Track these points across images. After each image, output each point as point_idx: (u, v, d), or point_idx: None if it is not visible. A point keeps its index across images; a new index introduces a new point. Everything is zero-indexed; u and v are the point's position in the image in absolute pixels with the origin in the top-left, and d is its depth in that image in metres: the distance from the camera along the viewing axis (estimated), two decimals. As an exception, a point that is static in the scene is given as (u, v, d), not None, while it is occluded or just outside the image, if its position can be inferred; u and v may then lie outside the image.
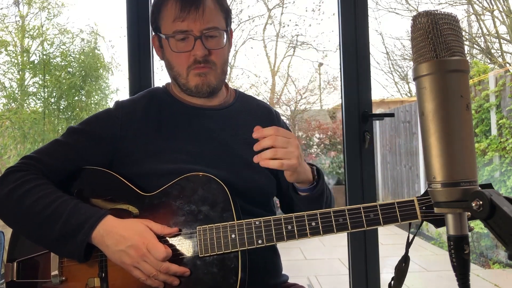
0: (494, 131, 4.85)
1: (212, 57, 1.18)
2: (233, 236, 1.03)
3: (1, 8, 4.32)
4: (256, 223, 1.03)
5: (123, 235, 1.02)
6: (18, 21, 4.40)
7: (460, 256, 0.56)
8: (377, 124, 7.19)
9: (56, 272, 1.10)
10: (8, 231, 1.20)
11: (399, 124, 6.80)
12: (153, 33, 1.26)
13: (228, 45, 1.24)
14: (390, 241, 4.59)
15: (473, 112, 4.85)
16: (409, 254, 0.94)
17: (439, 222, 1.00)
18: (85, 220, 1.04)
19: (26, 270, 1.13)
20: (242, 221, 1.04)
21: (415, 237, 0.99)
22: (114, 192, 1.14)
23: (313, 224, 1.02)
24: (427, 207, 0.99)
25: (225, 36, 1.21)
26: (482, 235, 4.59)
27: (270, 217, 1.04)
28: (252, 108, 1.33)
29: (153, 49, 2.09)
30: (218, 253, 1.02)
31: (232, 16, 1.27)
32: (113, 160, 1.19)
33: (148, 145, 1.17)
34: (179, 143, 1.19)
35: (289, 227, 1.02)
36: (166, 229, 1.05)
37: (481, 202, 0.53)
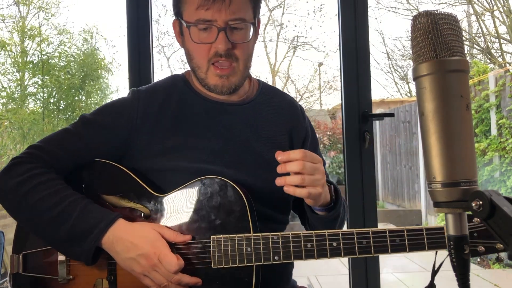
0: (494, 131, 4.85)
1: (235, 51, 1.08)
2: (248, 249, 0.98)
3: (1, 8, 4.32)
4: (274, 238, 0.98)
5: (134, 242, 0.98)
6: (18, 21, 4.40)
7: (460, 256, 0.56)
8: (377, 124, 7.18)
9: (64, 267, 1.06)
10: (10, 230, 1.18)
11: (399, 124, 6.80)
12: (174, 18, 1.16)
13: (254, 37, 1.14)
14: (390, 241, 4.57)
15: (473, 112, 4.85)
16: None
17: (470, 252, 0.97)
18: (95, 224, 0.99)
19: (33, 263, 1.09)
20: (259, 234, 0.98)
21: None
22: (125, 189, 1.08)
23: (335, 244, 0.97)
24: None
25: (251, 29, 1.11)
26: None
27: (288, 233, 0.98)
28: (276, 102, 1.24)
29: (153, 49, 2.09)
30: (232, 266, 0.98)
31: (260, 6, 1.16)
32: (126, 153, 1.12)
33: (164, 140, 1.10)
34: (198, 140, 1.11)
35: (309, 245, 0.97)
36: (179, 237, 1.01)
37: (481, 202, 0.53)
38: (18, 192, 1.02)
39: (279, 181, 0.97)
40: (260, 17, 1.18)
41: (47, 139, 1.11)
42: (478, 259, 4.38)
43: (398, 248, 0.96)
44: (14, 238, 1.12)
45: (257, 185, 1.10)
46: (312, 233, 0.98)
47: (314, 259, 0.98)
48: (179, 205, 1.04)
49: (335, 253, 0.97)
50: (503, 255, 0.96)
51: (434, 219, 5.84)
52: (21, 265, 1.08)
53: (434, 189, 0.57)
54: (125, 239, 0.99)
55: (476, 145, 4.85)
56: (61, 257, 1.07)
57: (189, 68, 1.22)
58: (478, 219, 0.96)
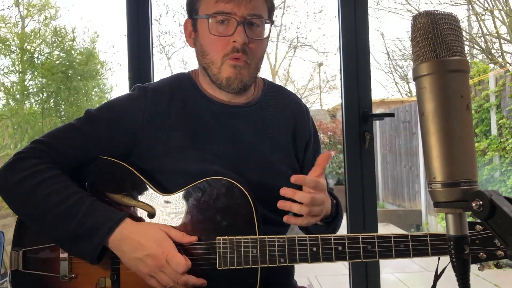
0: (494, 131, 4.85)
1: (251, 47, 1.08)
2: (254, 251, 0.98)
3: (2, 9, 4.32)
4: (280, 240, 0.98)
5: (141, 242, 0.97)
6: (18, 21, 4.40)
7: (460, 256, 0.56)
8: (377, 124, 7.18)
9: (66, 265, 1.04)
10: (10, 230, 1.18)
11: (399, 124, 6.80)
12: (187, 17, 1.17)
13: (267, 38, 1.14)
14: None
15: (473, 112, 4.85)
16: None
17: (472, 258, 0.96)
18: (102, 223, 0.98)
19: (33, 260, 1.07)
20: (264, 236, 0.99)
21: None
22: (131, 188, 1.07)
23: (340, 248, 0.98)
24: None
25: (267, 28, 1.12)
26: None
27: (294, 236, 0.99)
28: (281, 102, 1.23)
29: (153, 49, 2.09)
30: (237, 267, 0.98)
31: (274, 11, 1.18)
32: (131, 152, 1.10)
33: (170, 140, 1.09)
34: (203, 141, 1.11)
35: (314, 249, 0.98)
36: (185, 237, 1.00)
37: (481, 202, 0.53)
38: (22, 187, 1.01)
39: (283, 205, 0.99)
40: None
41: (51, 134, 1.10)
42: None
43: (402, 253, 0.98)
44: (14, 234, 1.10)
45: (260, 187, 1.10)
46: (318, 236, 0.99)
47: (319, 262, 0.98)
48: (185, 206, 1.04)
49: (340, 257, 0.98)
50: (503, 262, 0.97)
51: (434, 219, 5.84)
52: (21, 261, 1.07)
53: (434, 189, 0.57)
54: (133, 238, 0.98)
55: (476, 145, 4.85)
56: (63, 255, 1.05)
57: (191, 68, 1.21)
58: (480, 227, 0.98)
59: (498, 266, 0.98)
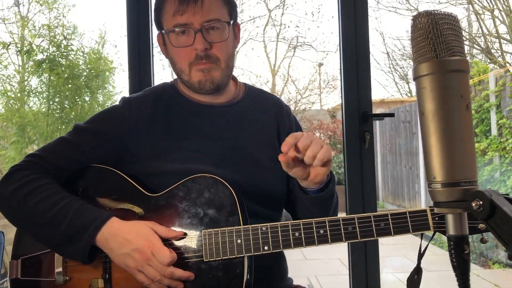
0: (494, 131, 4.85)
1: (214, 51, 1.14)
2: (238, 241, 1.00)
3: (2, 9, 4.32)
4: (263, 228, 1.01)
5: (128, 238, 1.01)
6: (19, 20, 4.40)
7: (460, 256, 0.56)
8: (377, 124, 7.19)
9: (60, 270, 1.08)
10: (10, 230, 1.19)
11: (399, 124, 6.80)
12: (157, 32, 1.23)
13: (233, 38, 1.20)
14: (390, 241, 4.59)
15: (473, 112, 4.85)
16: (416, 261, 0.93)
17: (470, 230, 0.97)
18: (89, 222, 1.02)
19: (30, 267, 1.12)
20: (248, 226, 1.01)
21: (416, 237, 0.98)
22: (120, 191, 1.12)
23: (321, 232, 0.99)
24: (440, 218, 0.97)
25: (228, 29, 1.16)
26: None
27: (277, 223, 1.01)
28: (262, 104, 1.28)
29: (153, 49, 2.09)
30: (223, 258, 1.01)
31: (237, 10, 1.23)
32: (120, 159, 1.17)
33: (156, 144, 1.15)
34: (188, 142, 1.16)
35: (297, 234, 1.00)
36: (171, 232, 1.03)
37: (481, 202, 0.53)
38: (15, 197, 1.06)
39: (282, 154, 0.98)
40: (239, 21, 1.24)
41: (44, 148, 1.17)
42: (477, 262, 4.38)
43: (383, 232, 0.99)
44: (13, 244, 1.15)
45: (247, 183, 1.13)
46: (300, 222, 1.01)
47: (302, 247, 1.00)
48: (171, 203, 1.07)
49: (323, 240, 0.99)
50: (501, 259, 0.96)
51: (434, 219, 5.83)
52: (20, 270, 1.12)
53: (434, 189, 0.57)
54: (119, 235, 1.02)
55: (476, 145, 4.85)
56: (58, 259, 1.09)
57: (175, 77, 1.27)
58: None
59: (483, 241, 0.96)
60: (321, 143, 1.01)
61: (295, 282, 1.26)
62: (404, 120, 6.66)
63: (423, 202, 6.16)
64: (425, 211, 0.99)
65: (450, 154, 0.55)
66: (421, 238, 0.98)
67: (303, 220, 1.00)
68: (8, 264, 1.16)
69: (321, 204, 1.14)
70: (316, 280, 4.04)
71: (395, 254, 4.71)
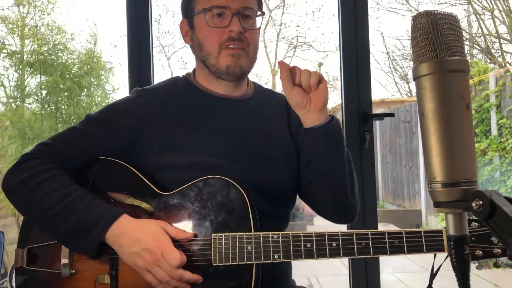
0: (494, 131, 4.85)
1: (246, 35, 1.15)
2: (249, 248, 0.99)
3: (2, 9, 4.32)
4: (274, 237, 0.99)
5: (138, 237, 1.00)
6: (18, 21, 4.40)
7: (460, 256, 0.56)
8: (377, 124, 7.18)
9: (67, 262, 1.07)
10: (10, 230, 1.19)
11: (399, 124, 6.80)
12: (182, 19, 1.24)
13: (259, 29, 1.22)
14: (390, 241, 4.57)
15: (473, 112, 4.85)
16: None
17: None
18: (99, 218, 1.01)
19: (36, 258, 1.11)
20: (259, 233, 1.00)
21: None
22: (130, 187, 1.10)
23: (334, 245, 0.98)
24: None
25: (258, 20, 1.20)
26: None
27: (289, 232, 1.00)
28: (272, 101, 1.30)
29: (153, 49, 2.09)
30: (232, 263, 1.00)
31: (263, 4, 1.26)
32: (131, 151, 1.14)
33: (169, 136, 1.14)
34: (200, 134, 1.15)
35: (308, 245, 0.99)
36: (182, 233, 1.02)
37: (481, 202, 0.53)
38: (25, 187, 1.05)
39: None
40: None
41: (55, 137, 1.15)
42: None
43: (396, 250, 0.98)
44: (19, 233, 1.13)
45: (258, 179, 1.13)
46: (312, 233, 0.99)
47: (313, 259, 0.99)
48: (182, 204, 1.06)
49: (335, 254, 0.98)
50: (501, 260, 0.96)
51: (434, 219, 5.84)
52: (25, 259, 1.10)
53: (434, 189, 0.57)
54: (130, 233, 1.01)
55: (476, 145, 4.85)
56: (64, 252, 1.08)
57: (191, 69, 1.26)
58: (476, 224, 0.97)
59: (496, 265, 0.97)
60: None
61: (295, 282, 1.26)
62: (404, 120, 6.66)
63: (423, 202, 6.15)
64: (440, 231, 0.98)
65: (450, 154, 0.55)
66: (434, 258, 0.96)
67: (315, 232, 0.99)
68: (9, 264, 1.16)
69: (330, 141, 1.12)
70: (316, 280, 4.03)
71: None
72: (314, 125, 1.11)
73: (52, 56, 4.08)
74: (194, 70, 1.27)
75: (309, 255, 0.99)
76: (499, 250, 0.96)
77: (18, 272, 1.11)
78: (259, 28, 1.21)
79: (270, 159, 1.18)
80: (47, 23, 4.29)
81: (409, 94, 9.16)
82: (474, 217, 0.94)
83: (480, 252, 0.96)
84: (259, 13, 1.20)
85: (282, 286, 1.20)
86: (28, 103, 4.16)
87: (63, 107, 4.03)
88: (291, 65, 1.10)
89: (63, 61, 4.12)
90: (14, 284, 1.11)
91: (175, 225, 1.04)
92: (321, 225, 5.27)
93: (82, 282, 1.07)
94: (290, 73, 1.08)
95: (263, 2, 1.24)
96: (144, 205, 1.08)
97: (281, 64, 1.09)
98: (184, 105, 1.19)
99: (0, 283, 2.52)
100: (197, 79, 1.24)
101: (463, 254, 0.56)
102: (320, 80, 1.09)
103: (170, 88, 1.22)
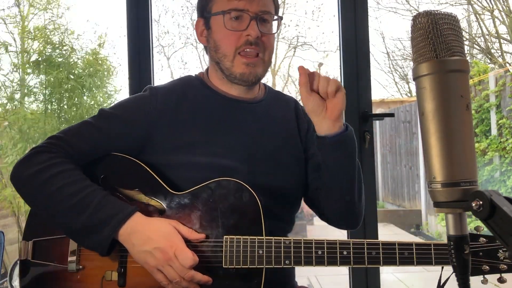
0: (494, 131, 4.85)
1: (263, 40, 1.14)
2: (260, 252, 0.99)
3: (3, 9, 4.32)
4: (286, 242, 1.00)
5: (151, 236, 0.99)
6: (19, 21, 4.40)
7: (460, 256, 0.56)
8: (377, 124, 7.18)
9: (74, 258, 1.06)
10: (10, 230, 1.19)
11: (399, 124, 6.80)
12: (198, 17, 1.23)
13: (275, 35, 1.22)
14: (390, 241, 4.58)
15: (473, 112, 4.85)
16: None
17: (473, 270, 0.96)
18: (113, 215, 1.00)
19: (42, 251, 1.10)
20: (271, 238, 1.00)
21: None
22: (142, 184, 1.10)
23: (345, 253, 0.99)
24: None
25: (274, 24, 1.19)
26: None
27: (300, 238, 1.01)
28: (282, 103, 1.30)
29: (153, 49, 2.09)
30: (243, 266, 1.00)
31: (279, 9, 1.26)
32: (143, 148, 1.13)
33: (181, 136, 1.13)
34: (213, 135, 1.15)
35: (319, 252, 0.99)
36: (194, 234, 1.02)
37: (481, 202, 0.53)
38: (36, 180, 1.04)
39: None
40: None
41: (67, 130, 1.14)
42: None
43: (406, 261, 0.98)
44: (25, 225, 1.12)
45: (268, 181, 1.14)
46: (324, 240, 1.00)
47: (324, 266, 0.99)
48: (194, 204, 1.06)
49: (345, 262, 0.99)
50: (506, 276, 0.97)
51: (434, 219, 5.84)
52: (31, 251, 1.09)
53: (434, 189, 0.57)
54: (142, 232, 1.00)
55: (476, 145, 4.85)
56: (72, 246, 1.07)
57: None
58: (484, 239, 0.98)
59: (501, 281, 0.97)
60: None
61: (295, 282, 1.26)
62: (404, 120, 6.66)
63: (423, 202, 6.15)
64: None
65: (450, 154, 0.55)
66: (441, 270, 0.96)
67: (327, 239, 1.00)
68: (9, 264, 1.15)
69: (343, 151, 1.11)
70: (316, 280, 4.03)
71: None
72: (328, 133, 1.10)
73: (57, 56, 4.08)
74: (207, 70, 1.26)
75: (319, 262, 0.99)
76: (505, 266, 0.96)
77: (22, 265, 1.10)
78: (275, 32, 1.21)
79: (280, 162, 1.18)
80: (54, 23, 4.29)
81: (409, 94, 9.16)
82: (482, 233, 0.95)
83: (487, 267, 0.97)
84: (275, 17, 1.19)
85: (285, 287, 1.20)
86: (29, 103, 4.16)
87: (65, 107, 4.02)
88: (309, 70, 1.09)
89: (67, 62, 4.11)
90: (14, 284, 1.10)
91: (187, 225, 1.04)
92: (321, 225, 5.27)
93: (89, 278, 1.06)
94: (309, 79, 1.07)
95: (279, 7, 1.24)
96: (156, 203, 1.07)
97: (301, 69, 1.07)
98: (198, 105, 1.18)
99: (0, 283, 2.52)
100: (210, 79, 1.24)
101: (463, 254, 0.56)
102: (338, 88, 1.08)
103: (184, 87, 1.21)
